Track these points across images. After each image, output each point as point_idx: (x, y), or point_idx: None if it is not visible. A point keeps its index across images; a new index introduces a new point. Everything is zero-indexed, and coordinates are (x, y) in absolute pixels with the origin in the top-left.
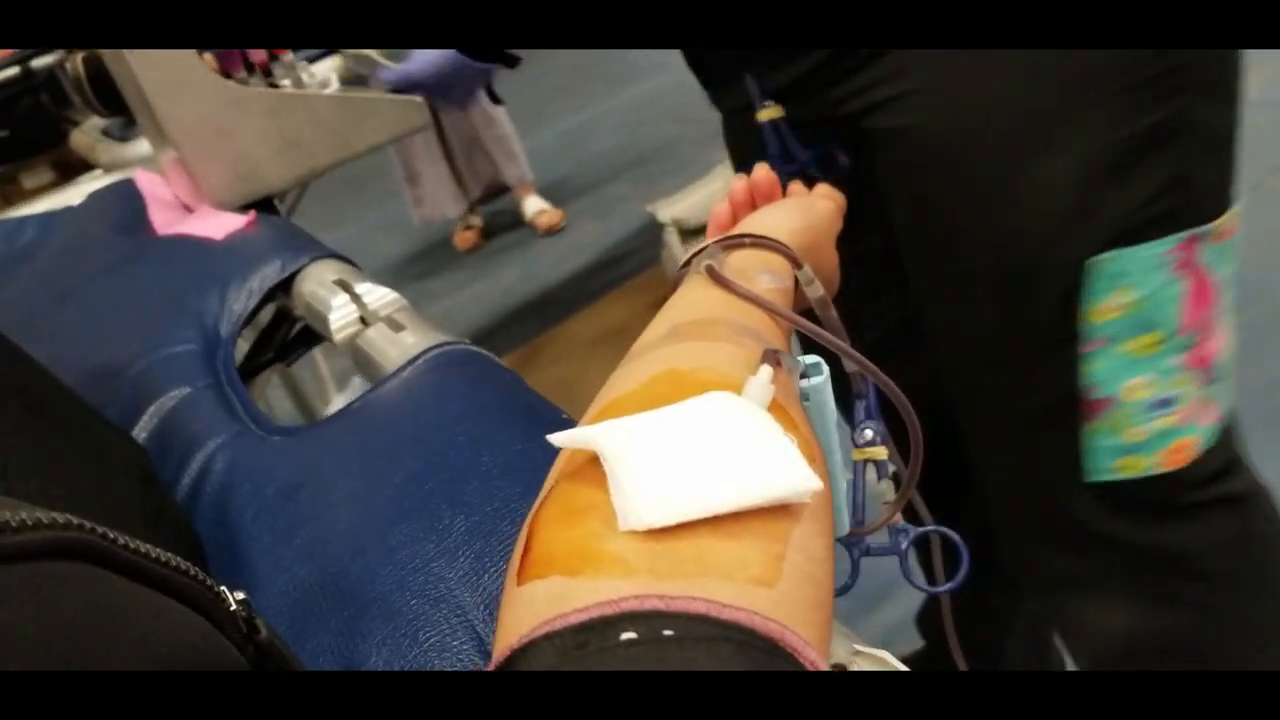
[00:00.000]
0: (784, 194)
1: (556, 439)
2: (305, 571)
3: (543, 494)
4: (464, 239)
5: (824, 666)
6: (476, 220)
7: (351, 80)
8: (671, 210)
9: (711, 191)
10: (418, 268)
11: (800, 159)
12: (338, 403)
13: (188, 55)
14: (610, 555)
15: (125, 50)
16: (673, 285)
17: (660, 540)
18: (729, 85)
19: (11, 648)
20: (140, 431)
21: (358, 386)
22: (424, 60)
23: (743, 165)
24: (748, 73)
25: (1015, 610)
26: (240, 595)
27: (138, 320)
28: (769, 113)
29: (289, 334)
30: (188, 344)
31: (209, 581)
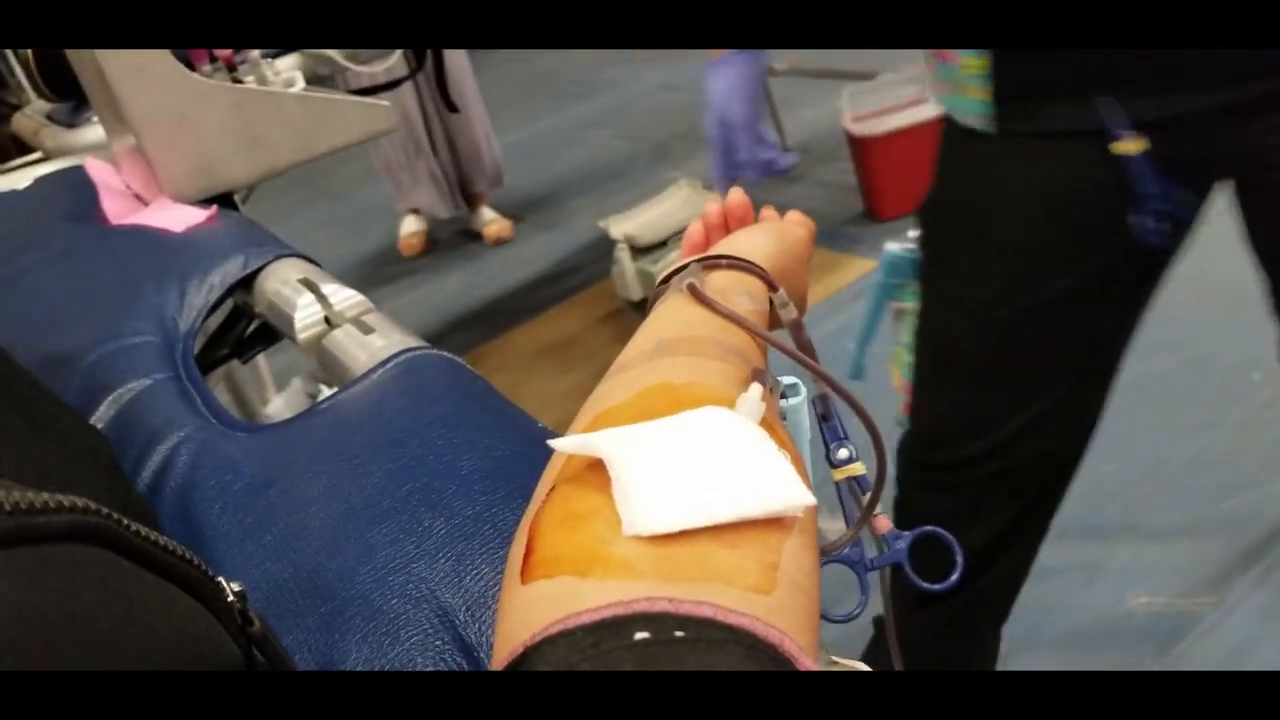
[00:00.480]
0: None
1: (560, 444)
2: (278, 568)
3: (539, 497)
4: (409, 245)
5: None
6: (423, 227)
7: (312, 80)
8: (623, 227)
9: (664, 210)
10: (360, 270)
11: (1172, 198)
12: (276, 403)
13: None
14: (617, 558)
15: None
16: (651, 301)
17: (664, 546)
18: (1063, 101)
19: (35, 628)
20: (96, 422)
21: (298, 388)
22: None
23: (1031, 199)
24: (1111, 95)
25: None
26: (237, 587)
27: (92, 309)
28: (1135, 144)
29: (245, 331)
30: (146, 336)
31: (210, 572)
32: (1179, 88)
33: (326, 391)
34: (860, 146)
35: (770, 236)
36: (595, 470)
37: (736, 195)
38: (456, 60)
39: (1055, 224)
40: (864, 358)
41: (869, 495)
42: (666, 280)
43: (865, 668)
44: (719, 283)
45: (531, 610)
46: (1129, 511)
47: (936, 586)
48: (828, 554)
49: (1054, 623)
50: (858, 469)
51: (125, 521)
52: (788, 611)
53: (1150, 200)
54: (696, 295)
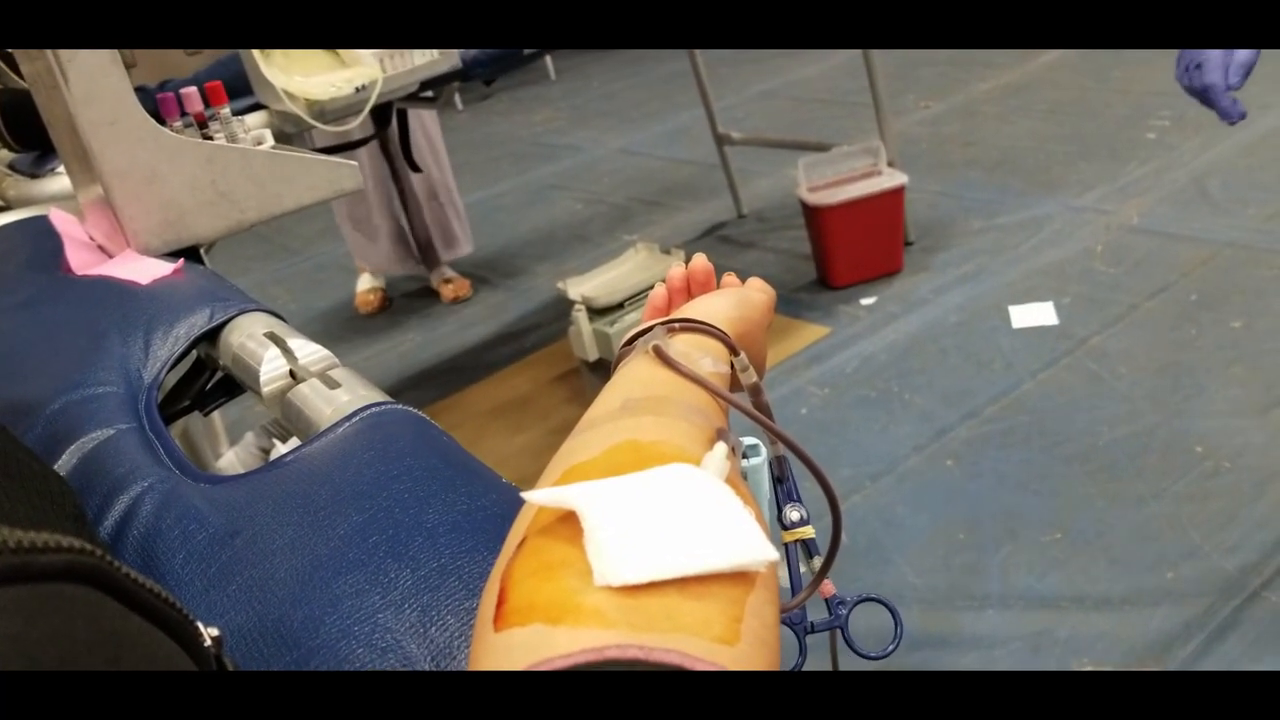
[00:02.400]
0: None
1: (532, 496)
2: (243, 618)
3: (511, 548)
4: (365, 301)
5: None
6: (380, 283)
7: (279, 137)
8: (581, 288)
9: (622, 273)
10: (315, 326)
11: None
12: (229, 457)
13: (126, 97)
14: (588, 608)
15: (63, 87)
16: (615, 362)
17: (634, 597)
18: None
19: (33, 664)
20: (58, 471)
21: (250, 442)
22: None
23: None
24: None
25: None
26: (214, 632)
27: (55, 358)
28: None
29: (207, 384)
30: (109, 386)
31: (190, 616)
32: None
33: (280, 446)
34: (814, 215)
35: (732, 302)
36: (565, 523)
37: (699, 261)
38: (427, 121)
39: None
40: None
41: (823, 558)
42: (631, 342)
43: None
44: (682, 346)
45: (506, 656)
46: (1074, 581)
47: (873, 654)
48: (783, 614)
49: None
50: (808, 532)
51: (116, 563)
52: (751, 662)
53: None
54: (662, 357)
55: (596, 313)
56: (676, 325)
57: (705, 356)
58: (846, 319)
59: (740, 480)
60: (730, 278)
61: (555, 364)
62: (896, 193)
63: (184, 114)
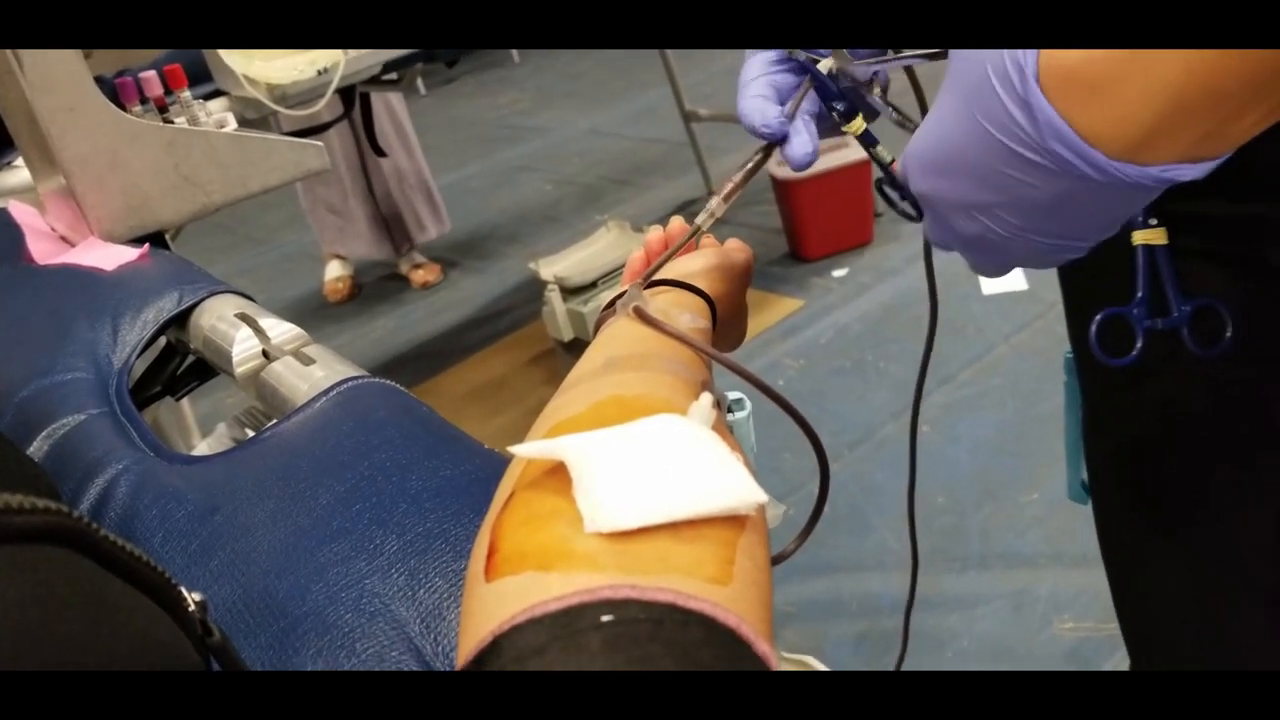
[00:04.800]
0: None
1: (520, 449)
2: (226, 590)
3: (499, 502)
4: (334, 289)
5: (774, 657)
6: (348, 271)
7: (242, 123)
8: (554, 268)
9: (594, 252)
10: (284, 316)
11: (1176, 308)
12: (201, 449)
13: (84, 83)
14: (580, 553)
15: (19, 74)
16: (597, 325)
17: (625, 542)
18: None
19: (11, 625)
20: (31, 457)
21: (223, 433)
22: None
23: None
24: None
25: None
26: (198, 596)
27: (22, 346)
28: (1149, 235)
29: (178, 369)
30: (79, 372)
31: (173, 580)
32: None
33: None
34: (784, 189)
35: (710, 261)
36: (554, 475)
37: (677, 224)
38: (395, 106)
39: None
40: (1079, 475)
41: (815, 504)
42: (611, 305)
43: (815, 662)
44: (662, 303)
45: (498, 604)
46: (1052, 540)
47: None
48: (777, 562)
49: (982, 648)
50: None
51: (95, 526)
52: (744, 601)
53: (1139, 305)
54: (641, 316)
55: (570, 292)
56: (655, 285)
57: (684, 313)
58: (819, 291)
59: (726, 431)
60: (709, 239)
61: (530, 346)
62: (865, 165)
63: (144, 99)
